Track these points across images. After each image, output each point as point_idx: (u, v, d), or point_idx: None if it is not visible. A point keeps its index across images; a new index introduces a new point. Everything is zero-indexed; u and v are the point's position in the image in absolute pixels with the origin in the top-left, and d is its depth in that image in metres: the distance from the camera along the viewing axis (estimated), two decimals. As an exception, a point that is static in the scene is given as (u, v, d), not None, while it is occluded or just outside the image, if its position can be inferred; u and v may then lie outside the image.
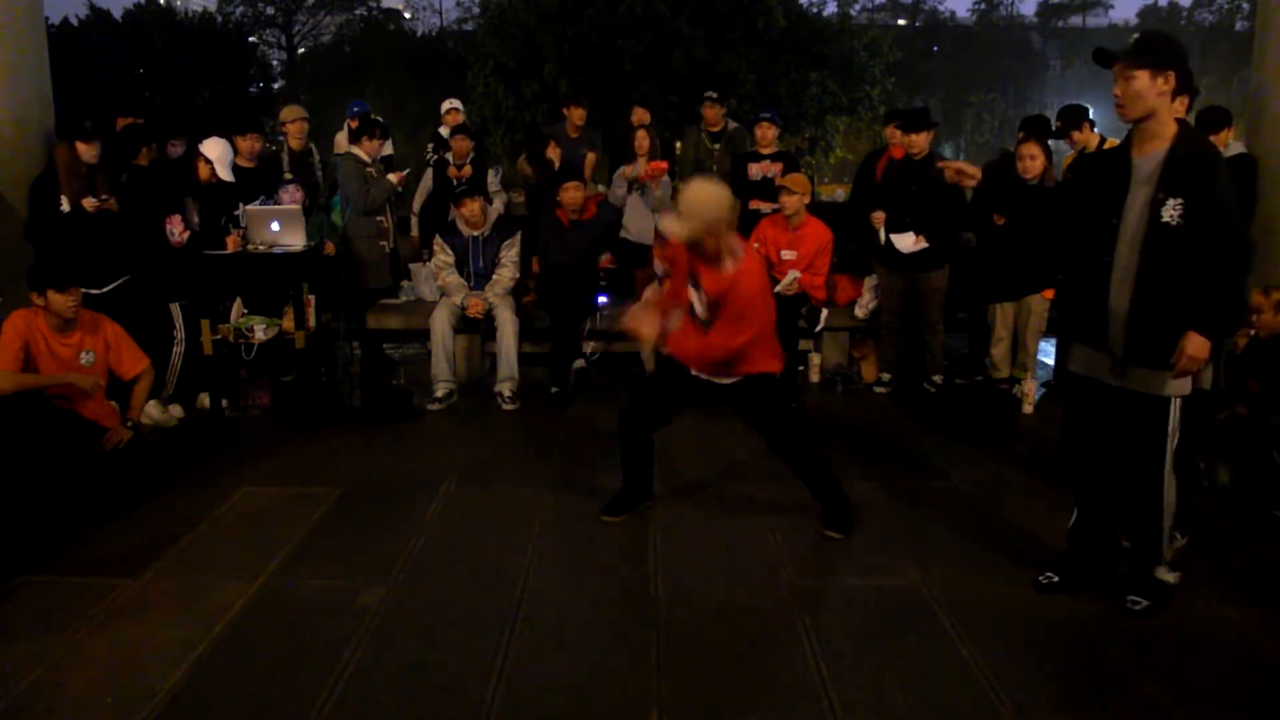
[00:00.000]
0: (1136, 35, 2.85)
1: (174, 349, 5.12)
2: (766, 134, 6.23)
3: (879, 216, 5.48)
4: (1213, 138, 4.82)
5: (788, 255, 5.57)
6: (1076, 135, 5.35)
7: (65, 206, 4.87)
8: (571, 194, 5.53)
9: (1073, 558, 3.18)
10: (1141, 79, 2.69)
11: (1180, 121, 2.78)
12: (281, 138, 6.48)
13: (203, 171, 5.18)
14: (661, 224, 3.51)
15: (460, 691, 2.59)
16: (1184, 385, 2.84)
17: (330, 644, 2.82)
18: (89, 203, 4.84)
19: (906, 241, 5.37)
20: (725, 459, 4.53)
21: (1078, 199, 3.03)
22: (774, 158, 6.25)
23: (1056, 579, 3.15)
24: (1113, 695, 2.58)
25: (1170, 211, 2.70)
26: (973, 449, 4.67)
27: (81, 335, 4.08)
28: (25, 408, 3.81)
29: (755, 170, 6.16)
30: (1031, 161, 5.02)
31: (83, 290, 4.58)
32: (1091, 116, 5.47)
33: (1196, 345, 2.70)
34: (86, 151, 4.92)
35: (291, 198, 5.45)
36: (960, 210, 5.44)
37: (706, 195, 3.27)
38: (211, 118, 17.18)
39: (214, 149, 5.18)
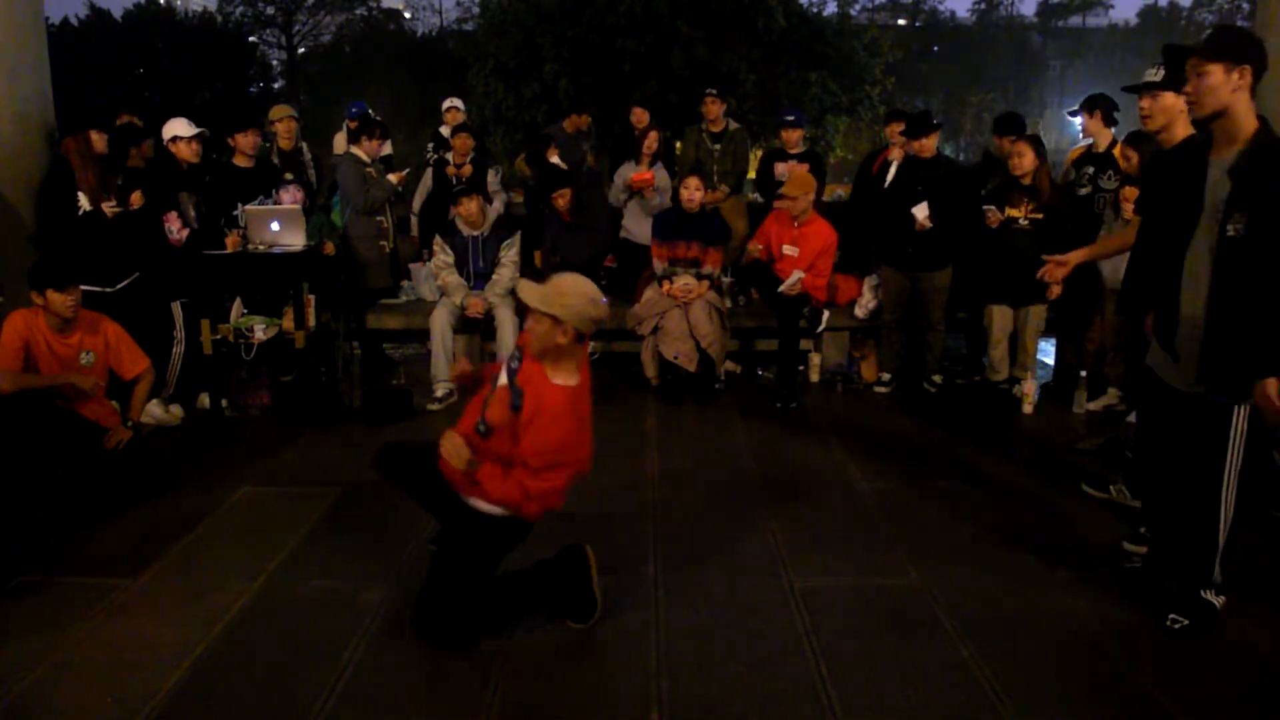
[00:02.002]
0: (1210, 31, 2.72)
1: (174, 349, 5.12)
2: (791, 135, 6.36)
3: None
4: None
5: (789, 250, 5.57)
6: (1089, 122, 5.26)
7: (85, 205, 4.81)
8: (560, 203, 5.70)
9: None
10: (1215, 73, 2.59)
11: (1261, 123, 2.64)
12: (273, 137, 6.48)
13: (182, 152, 5.16)
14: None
15: (460, 692, 2.59)
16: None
17: (330, 644, 2.82)
18: (109, 207, 4.82)
19: (921, 212, 5.33)
20: (725, 459, 4.53)
21: (1156, 197, 2.96)
22: (800, 157, 6.35)
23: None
24: (1113, 695, 2.58)
25: (1234, 226, 2.59)
26: (973, 449, 4.67)
27: (81, 335, 4.08)
28: (26, 408, 3.81)
29: (781, 169, 6.28)
30: (1020, 159, 5.08)
31: (95, 288, 4.64)
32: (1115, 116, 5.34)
33: (1274, 388, 2.56)
34: (100, 141, 4.92)
35: (292, 198, 5.45)
36: (964, 210, 5.43)
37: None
38: (211, 118, 17.14)
39: (174, 126, 5.17)
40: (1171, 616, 2.90)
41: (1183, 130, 3.34)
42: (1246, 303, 2.61)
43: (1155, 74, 3.39)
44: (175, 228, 5.10)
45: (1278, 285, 2.55)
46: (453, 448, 2.68)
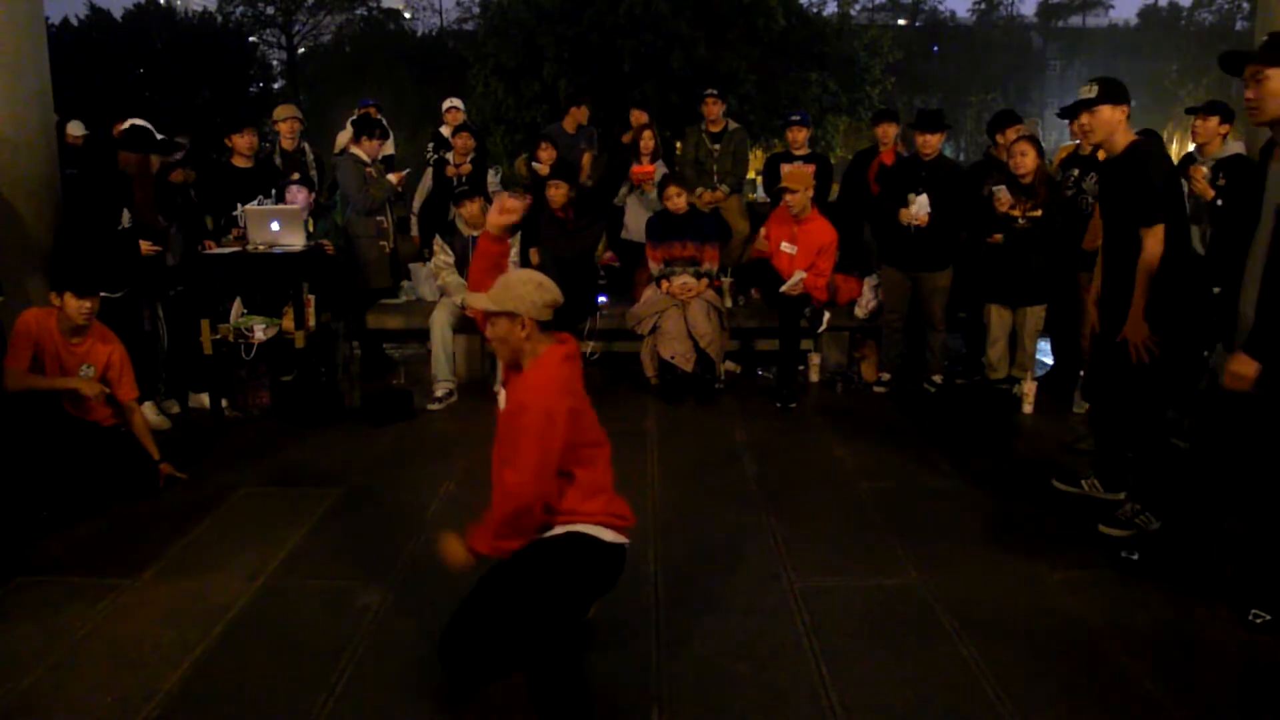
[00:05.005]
0: (1267, 36, 2.79)
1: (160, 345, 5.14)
2: (797, 136, 6.36)
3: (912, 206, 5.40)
4: (1208, 123, 4.87)
5: (787, 249, 5.58)
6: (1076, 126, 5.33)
7: (126, 222, 4.85)
8: (551, 192, 5.71)
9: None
10: (1277, 78, 2.67)
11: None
12: (276, 137, 6.48)
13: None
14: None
15: (459, 691, 2.58)
16: None
17: (330, 644, 2.82)
18: (147, 246, 4.86)
19: (920, 208, 5.32)
20: (725, 458, 4.53)
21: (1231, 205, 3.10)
22: (807, 159, 6.32)
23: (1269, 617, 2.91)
24: (1113, 695, 2.58)
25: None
26: (973, 449, 4.67)
27: (91, 344, 4.05)
28: (27, 407, 3.81)
29: (788, 171, 6.21)
30: (1023, 158, 5.09)
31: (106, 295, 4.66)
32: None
33: (1240, 364, 2.74)
34: (157, 162, 5.02)
35: (304, 197, 5.46)
36: (965, 209, 5.42)
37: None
38: (211, 118, 17.17)
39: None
40: (1254, 612, 2.89)
41: (1123, 139, 3.45)
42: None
43: (1090, 91, 3.49)
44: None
45: None
46: (453, 549, 2.58)
